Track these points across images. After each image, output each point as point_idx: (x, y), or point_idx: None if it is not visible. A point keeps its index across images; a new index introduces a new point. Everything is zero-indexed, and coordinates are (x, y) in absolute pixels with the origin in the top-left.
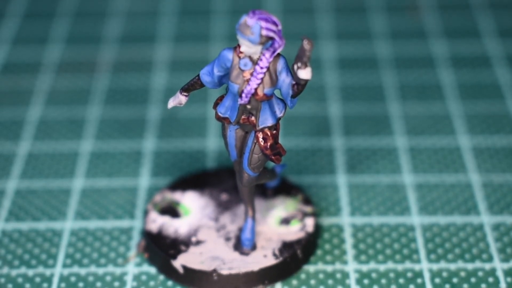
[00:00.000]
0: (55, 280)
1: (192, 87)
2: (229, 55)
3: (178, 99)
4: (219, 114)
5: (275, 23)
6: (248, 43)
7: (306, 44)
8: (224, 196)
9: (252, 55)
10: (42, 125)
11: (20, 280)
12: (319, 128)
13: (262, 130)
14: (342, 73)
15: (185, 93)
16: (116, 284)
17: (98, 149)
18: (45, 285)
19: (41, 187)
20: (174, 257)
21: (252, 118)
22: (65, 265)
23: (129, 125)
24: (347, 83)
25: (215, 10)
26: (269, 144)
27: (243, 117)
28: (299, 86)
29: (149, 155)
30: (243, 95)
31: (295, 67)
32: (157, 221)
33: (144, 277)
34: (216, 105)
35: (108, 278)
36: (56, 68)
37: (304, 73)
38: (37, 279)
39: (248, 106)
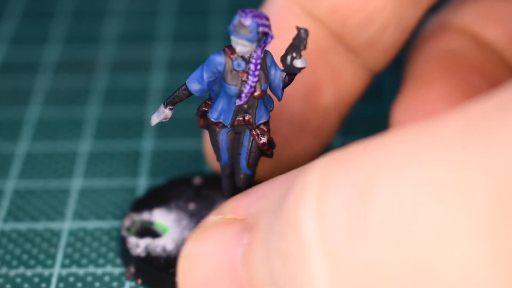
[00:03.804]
0: (54, 280)
1: (178, 98)
2: (220, 59)
3: (164, 114)
4: (212, 119)
5: (267, 18)
6: (245, 43)
7: (304, 33)
8: (191, 206)
9: (245, 54)
10: (41, 125)
11: (18, 280)
12: None
13: (258, 127)
14: None
15: (170, 107)
16: (115, 284)
17: (97, 149)
18: (43, 285)
19: (40, 187)
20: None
21: (247, 118)
22: (63, 265)
23: (128, 125)
24: None
25: (214, 10)
26: (266, 139)
27: (238, 118)
28: (291, 76)
29: (148, 155)
30: (243, 95)
31: (289, 57)
32: (141, 245)
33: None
34: (201, 113)
35: (106, 278)
36: (54, 67)
37: (300, 62)
38: (36, 279)
39: (245, 106)
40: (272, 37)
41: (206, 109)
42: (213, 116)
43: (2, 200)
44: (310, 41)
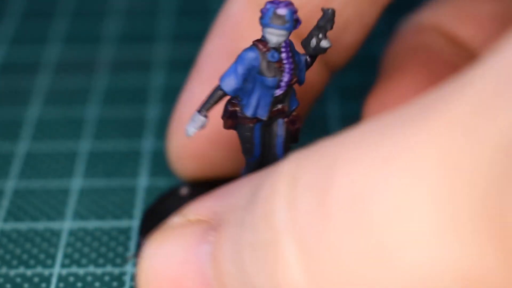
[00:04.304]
0: (54, 280)
1: (213, 102)
2: (254, 54)
3: (201, 122)
4: (249, 116)
5: (293, 5)
6: (283, 32)
7: (331, 13)
8: None
9: (280, 44)
10: (41, 124)
11: (18, 280)
12: (317, 128)
13: (291, 114)
14: (341, 72)
15: (205, 113)
16: (115, 284)
17: (97, 148)
18: (43, 285)
19: (40, 187)
20: None
21: (281, 107)
22: (63, 265)
23: (128, 125)
24: (346, 82)
25: (214, 10)
26: (298, 125)
27: (273, 109)
28: (313, 58)
29: (148, 154)
30: (282, 84)
31: (314, 40)
32: None
33: None
34: (230, 113)
35: (106, 278)
36: (54, 67)
37: (327, 42)
38: (36, 279)
39: (281, 96)
40: (300, 23)
41: (236, 108)
42: (249, 113)
43: (2, 200)
44: None
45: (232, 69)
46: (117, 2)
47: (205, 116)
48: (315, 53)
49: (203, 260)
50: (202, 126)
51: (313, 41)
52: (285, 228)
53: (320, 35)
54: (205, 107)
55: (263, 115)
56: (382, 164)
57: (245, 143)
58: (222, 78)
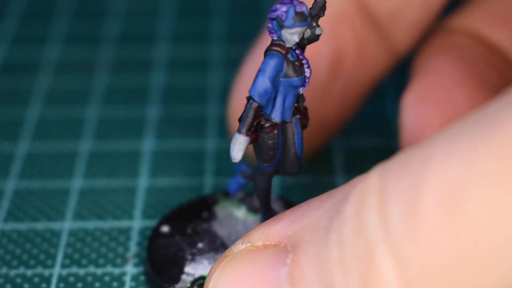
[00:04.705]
0: (54, 281)
1: (252, 118)
2: (279, 59)
3: (246, 142)
4: (278, 121)
5: None
6: (305, 29)
7: (321, 1)
8: (200, 246)
9: (294, 44)
10: (41, 125)
11: (18, 280)
12: None
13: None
14: None
15: (248, 132)
16: (115, 284)
17: (97, 149)
18: (43, 285)
19: (40, 187)
20: None
21: (297, 105)
22: (63, 266)
23: (128, 125)
24: None
25: (214, 10)
26: (308, 117)
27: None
28: (303, 49)
29: (148, 154)
30: (307, 79)
31: (309, 30)
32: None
33: (142, 278)
34: (256, 126)
35: (106, 278)
36: (54, 67)
37: (320, 29)
38: (36, 280)
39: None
40: None
41: (259, 120)
42: (279, 118)
43: (2, 200)
44: (336, 6)
45: (260, 80)
46: (117, 2)
47: (247, 135)
48: (311, 42)
49: (279, 282)
50: (246, 146)
51: (308, 32)
52: (379, 240)
53: (314, 24)
54: (245, 127)
55: (288, 117)
56: (473, 162)
57: (269, 151)
58: (253, 92)
